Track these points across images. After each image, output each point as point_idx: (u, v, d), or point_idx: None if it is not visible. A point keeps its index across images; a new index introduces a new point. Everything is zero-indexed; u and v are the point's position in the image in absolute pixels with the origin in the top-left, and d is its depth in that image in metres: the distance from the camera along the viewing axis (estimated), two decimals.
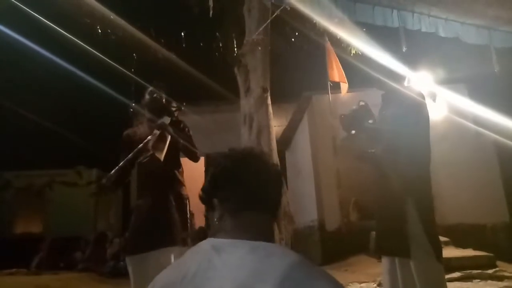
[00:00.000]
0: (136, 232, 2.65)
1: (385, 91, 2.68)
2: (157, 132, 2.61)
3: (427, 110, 2.51)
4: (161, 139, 2.62)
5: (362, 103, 2.64)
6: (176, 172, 2.80)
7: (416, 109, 2.46)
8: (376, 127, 2.57)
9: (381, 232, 2.51)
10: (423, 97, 2.53)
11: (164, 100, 2.86)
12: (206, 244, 0.89)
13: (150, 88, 2.88)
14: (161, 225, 2.58)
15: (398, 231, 2.29)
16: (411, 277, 2.26)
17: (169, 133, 2.65)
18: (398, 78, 2.62)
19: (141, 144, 2.58)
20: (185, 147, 2.78)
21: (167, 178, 2.71)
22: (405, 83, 2.66)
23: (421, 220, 2.27)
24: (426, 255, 2.23)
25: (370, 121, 2.57)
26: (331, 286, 0.79)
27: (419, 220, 2.26)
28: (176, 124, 2.81)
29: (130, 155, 2.57)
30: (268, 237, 0.91)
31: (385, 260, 2.45)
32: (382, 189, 2.50)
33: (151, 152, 2.57)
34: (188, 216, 2.76)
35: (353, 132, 2.61)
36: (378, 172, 2.53)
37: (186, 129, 2.89)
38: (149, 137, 2.60)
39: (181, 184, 2.82)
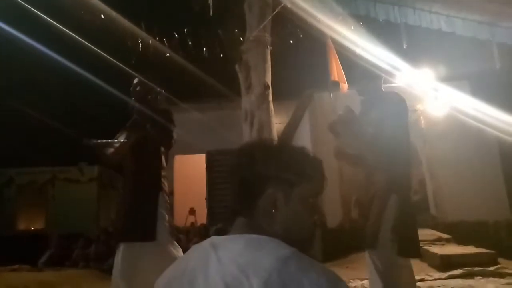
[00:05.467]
0: (115, 223, 2.77)
1: (363, 96, 2.74)
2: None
3: (406, 111, 2.59)
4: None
5: (346, 106, 2.68)
6: (148, 165, 2.79)
7: (396, 112, 2.53)
8: (362, 130, 2.60)
9: (363, 226, 2.56)
10: (402, 99, 2.59)
11: (146, 94, 2.90)
12: (207, 241, 0.90)
13: (136, 81, 2.93)
14: (129, 219, 2.64)
15: (374, 225, 2.37)
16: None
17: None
18: (376, 81, 2.68)
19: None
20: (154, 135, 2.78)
21: (135, 171, 2.75)
22: (383, 84, 2.72)
23: (399, 215, 2.33)
24: (390, 249, 2.29)
25: (356, 124, 2.61)
26: (323, 279, 0.77)
27: (396, 215, 2.33)
28: (154, 112, 2.81)
29: None
30: (266, 231, 0.90)
31: (366, 255, 2.51)
32: (367, 187, 2.57)
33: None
34: (155, 212, 2.66)
35: (343, 137, 2.65)
36: (363, 170, 2.62)
37: (164, 117, 2.84)
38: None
39: (149, 176, 2.78)
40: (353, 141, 2.63)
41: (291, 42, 7.11)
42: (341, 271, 5.41)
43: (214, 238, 0.90)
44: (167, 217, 2.69)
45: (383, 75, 2.75)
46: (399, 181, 2.44)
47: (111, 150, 2.67)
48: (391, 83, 6.82)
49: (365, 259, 2.53)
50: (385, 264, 2.30)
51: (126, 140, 2.71)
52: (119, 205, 2.82)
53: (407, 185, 2.52)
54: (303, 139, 9.15)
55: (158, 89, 3.01)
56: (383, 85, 2.72)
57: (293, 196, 0.94)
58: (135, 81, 2.92)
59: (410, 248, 2.36)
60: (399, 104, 2.56)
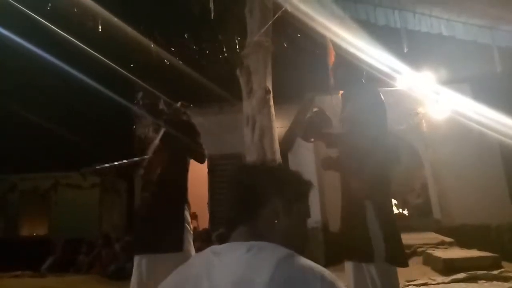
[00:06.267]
0: (135, 233, 2.75)
1: (343, 89, 2.64)
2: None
3: (384, 109, 2.39)
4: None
5: (316, 109, 2.59)
6: (178, 177, 2.80)
7: (372, 110, 2.35)
8: (333, 132, 2.52)
9: (345, 236, 2.42)
10: (377, 92, 2.43)
11: (157, 104, 2.87)
12: (207, 250, 0.98)
13: (141, 93, 2.87)
14: (153, 229, 2.58)
15: (360, 236, 2.21)
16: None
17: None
18: (357, 74, 2.56)
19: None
20: (187, 150, 2.80)
21: (164, 183, 2.72)
22: (363, 81, 2.58)
23: (380, 224, 2.19)
24: (385, 259, 2.17)
25: (327, 127, 2.52)
26: (324, 273, 0.86)
27: (378, 223, 2.18)
28: (179, 125, 2.82)
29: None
30: (266, 238, 0.96)
31: (349, 265, 2.35)
32: (343, 192, 2.43)
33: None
34: (183, 224, 2.63)
35: (312, 140, 2.59)
36: (340, 174, 2.48)
37: (191, 130, 2.88)
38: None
39: (178, 188, 2.79)
40: (326, 143, 2.57)
41: (292, 46, 7.12)
42: (344, 276, 5.37)
43: (214, 247, 0.97)
44: (191, 226, 2.70)
45: (365, 68, 2.62)
46: (375, 186, 2.23)
47: (144, 171, 2.71)
48: (392, 86, 6.83)
49: (348, 270, 2.35)
50: (382, 276, 2.15)
51: (160, 158, 2.72)
52: (141, 216, 2.76)
53: (385, 190, 2.30)
54: (305, 142, 9.14)
55: (178, 103, 3.02)
56: (364, 79, 2.57)
57: (292, 208, 1.03)
58: (140, 94, 2.86)
59: (397, 256, 2.20)
60: (374, 97, 2.38)
